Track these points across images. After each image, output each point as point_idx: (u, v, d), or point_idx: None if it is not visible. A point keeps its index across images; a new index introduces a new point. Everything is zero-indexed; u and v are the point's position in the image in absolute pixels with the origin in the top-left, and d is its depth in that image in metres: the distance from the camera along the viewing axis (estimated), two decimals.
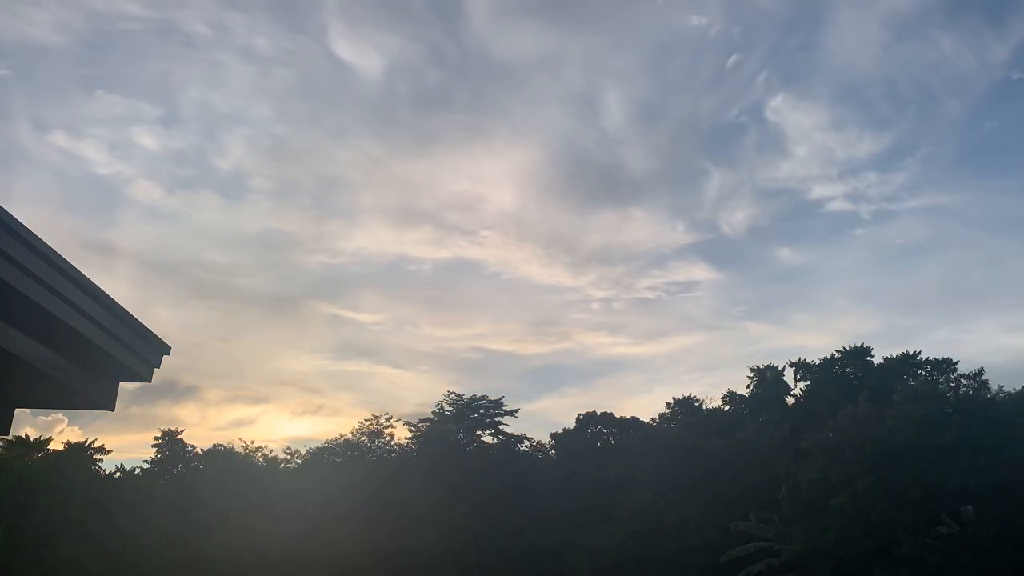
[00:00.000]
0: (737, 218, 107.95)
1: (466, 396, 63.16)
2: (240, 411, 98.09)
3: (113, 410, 5.44)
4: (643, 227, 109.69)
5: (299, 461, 64.25)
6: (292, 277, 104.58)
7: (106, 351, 4.73)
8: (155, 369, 5.42)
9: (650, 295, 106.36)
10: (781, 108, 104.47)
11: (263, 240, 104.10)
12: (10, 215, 3.71)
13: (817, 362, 60.30)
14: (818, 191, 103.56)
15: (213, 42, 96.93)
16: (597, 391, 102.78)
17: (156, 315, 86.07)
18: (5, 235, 3.69)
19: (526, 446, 65.54)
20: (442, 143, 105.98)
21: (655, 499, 49.26)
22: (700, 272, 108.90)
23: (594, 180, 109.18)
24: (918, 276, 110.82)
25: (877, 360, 59.02)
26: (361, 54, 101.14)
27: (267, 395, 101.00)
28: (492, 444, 63.29)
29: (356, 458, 62.17)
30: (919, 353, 57.17)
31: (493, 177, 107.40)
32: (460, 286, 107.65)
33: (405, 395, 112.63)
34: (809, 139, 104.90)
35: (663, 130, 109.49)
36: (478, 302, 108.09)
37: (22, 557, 44.55)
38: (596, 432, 67.65)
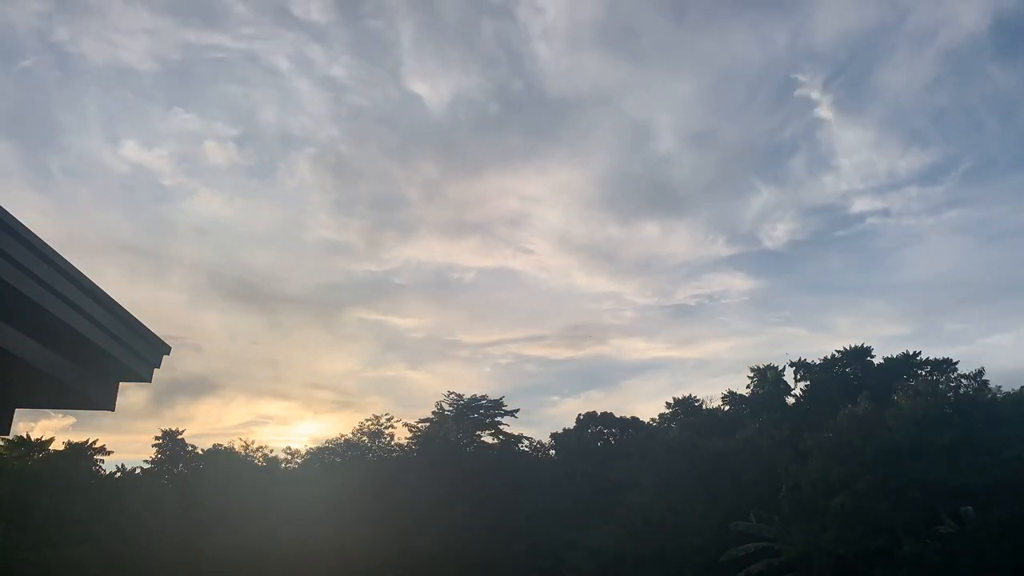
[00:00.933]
0: (778, 232, 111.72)
1: (467, 396, 63.29)
2: (266, 411, 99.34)
3: (113, 410, 5.44)
4: (685, 240, 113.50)
5: (299, 461, 64.29)
6: (340, 285, 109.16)
7: (106, 351, 4.73)
8: (155, 369, 5.42)
9: (691, 302, 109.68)
10: (833, 132, 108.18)
11: (316, 250, 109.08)
12: (10, 215, 3.72)
13: (817, 362, 60.37)
14: (860, 205, 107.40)
15: (293, 71, 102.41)
16: (622, 394, 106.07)
17: (202, 319, 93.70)
18: (5, 235, 3.69)
19: (526, 446, 65.63)
20: (495, 166, 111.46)
21: (655, 499, 49.25)
22: (739, 282, 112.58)
23: (640, 197, 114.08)
24: (957, 284, 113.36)
25: (877, 360, 59.11)
26: (430, 87, 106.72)
27: (296, 396, 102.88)
28: (492, 444, 63.34)
29: (356, 458, 62.20)
30: (919, 353, 57.21)
31: (541, 195, 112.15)
32: (502, 293, 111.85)
33: (437, 399, 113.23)
34: (856, 159, 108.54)
35: (714, 151, 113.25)
36: (518, 308, 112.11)
37: (23, 557, 44.56)
38: (596, 432, 67.66)
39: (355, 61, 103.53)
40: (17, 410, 5.38)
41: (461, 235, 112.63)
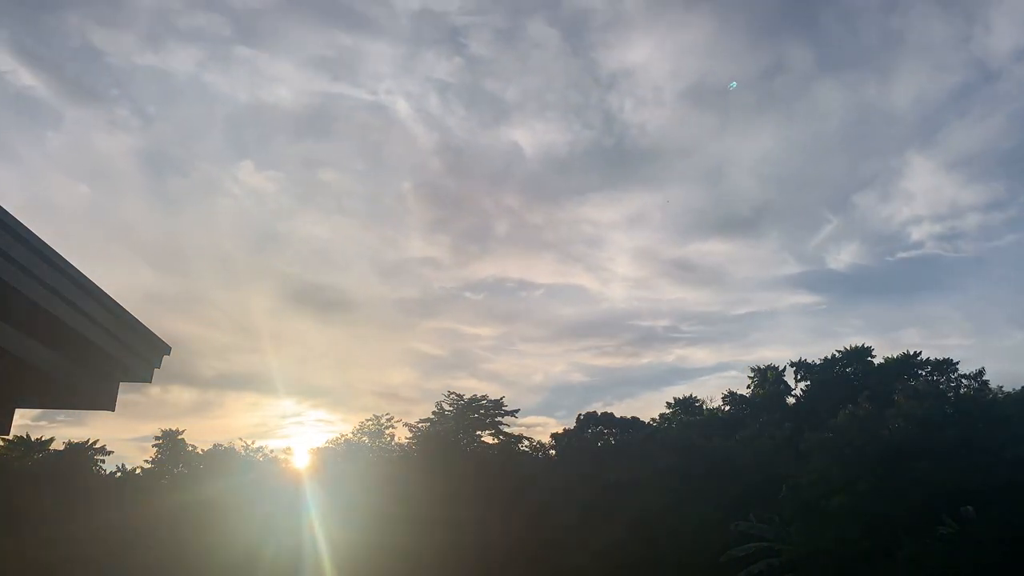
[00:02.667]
0: (843, 255, 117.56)
1: (467, 396, 63.29)
2: (315, 413, 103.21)
3: (113, 410, 5.44)
4: (752, 259, 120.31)
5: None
6: (419, 299, 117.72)
7: (106, 351, 4.73)
8: (155, 369, 5.41)
9: (755, 312, 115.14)
10: (904, 170, 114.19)
11: (404, 266, 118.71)
12: (10, 215, 3.71)
13: (817, 362, 60.38)
14: (924, 231, 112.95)
15: (411, 118, 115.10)
16: (665, 399, 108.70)
17: (281, 325, 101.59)
18: (5, 235, 3.69)
19: (526, 446, 65.59)
20: (573, 197, 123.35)
21: (655, 499, 49.25)
22: (804, 297, 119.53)
23: (711, 225, 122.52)
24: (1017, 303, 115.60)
25: (877, 360, 59.12)
26: (528, 137, 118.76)
27: (349, 400, 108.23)
28: (492, 444, 63.31)
29: (357, 458, 62.20)
30: (919, 353, 57.23)
31: (615, 220, 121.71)
32: (569, 308, 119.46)
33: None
34: (923, 192, 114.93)
35: (789, 187, 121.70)
36: (583, 321, 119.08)
37: (24, 557, 44.54)
38: (596, 432, 67.67)
39: (467, 113, 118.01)
40: (17, 410, 5.38)
41: (536, 254, 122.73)
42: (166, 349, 5.36)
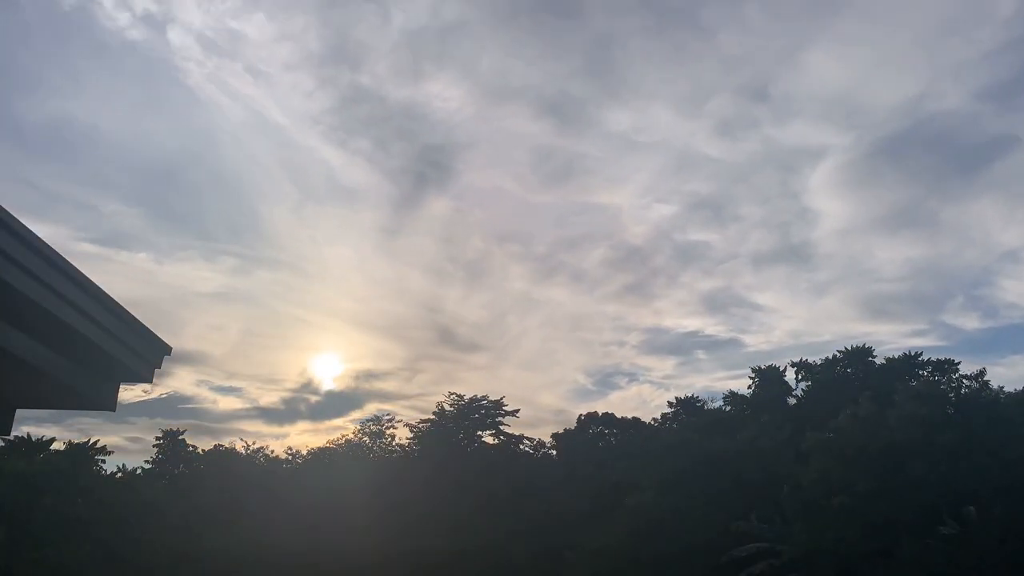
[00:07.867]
0: (970, 323, 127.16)
1: (467, 397, 63.27)
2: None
3: (114, 410, 5.43)
4: (886, 318, 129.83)
5: (300, 462, 64.30)
6: (586, 340, 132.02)
7: (106, 351, 4.73)
8: (156, 370, 5.41)
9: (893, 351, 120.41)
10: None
11: (586, 319, 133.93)
12: (10, 215, 3.71)
13: (819, 362, 60.30)
14: None
15: (635, 217, 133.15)
16: None
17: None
18: (5, 235, 3.69)
19: (527, 446, 65.59)
20: (736, 272, 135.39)
21: (656, 499, 49.20)
22: (925, 341, 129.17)
23: (858, 308, 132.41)
24: None
25: (879, 360, 59.01)
26: (717, 237, 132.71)
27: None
28: (493, 444, 63.28)
29: (357, 459, 62.21)
30: (921, 353, 57.15)
31: (767, 285, 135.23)
32: (713, 351, 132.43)
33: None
34: None
35: (924, 277, 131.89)
36: (727, 361, 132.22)
37: (24, 558, 44.56)
38: (597, 432, 67.66)
39: (682, 218, 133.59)
40: (18, 410, 5.37)
41: (706, 313, 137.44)
42: (167, 349, 5.35)
